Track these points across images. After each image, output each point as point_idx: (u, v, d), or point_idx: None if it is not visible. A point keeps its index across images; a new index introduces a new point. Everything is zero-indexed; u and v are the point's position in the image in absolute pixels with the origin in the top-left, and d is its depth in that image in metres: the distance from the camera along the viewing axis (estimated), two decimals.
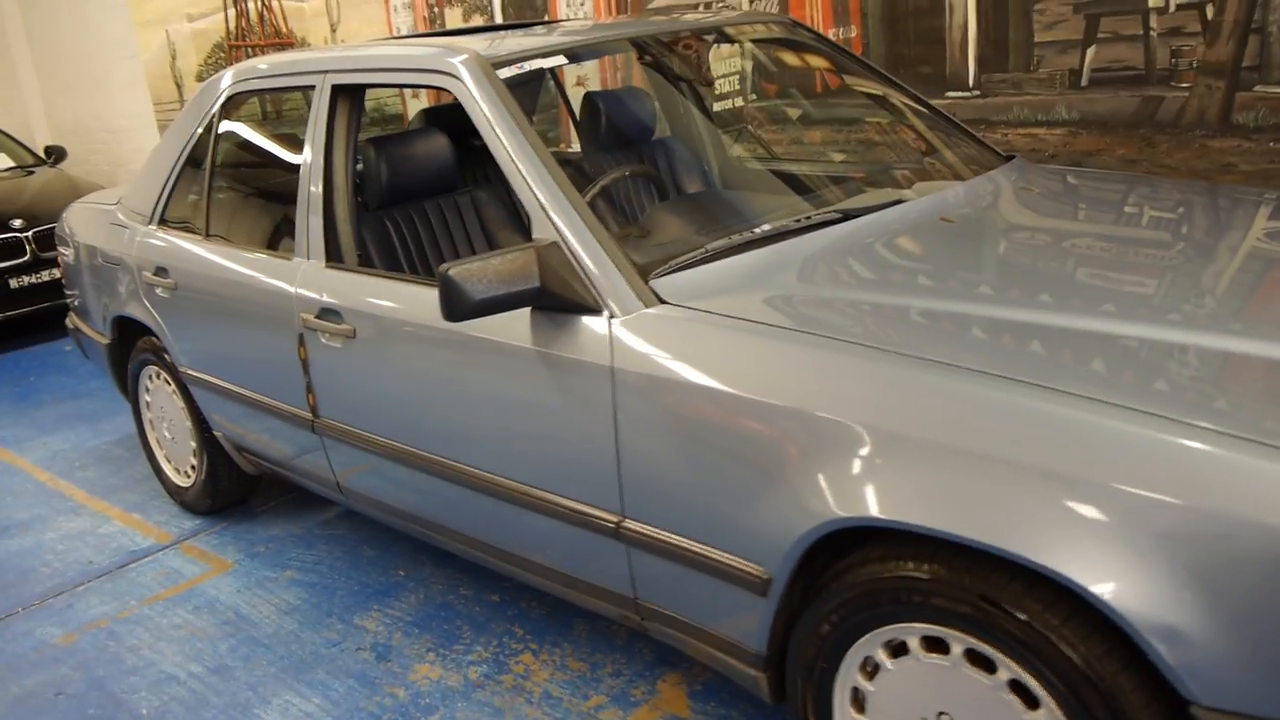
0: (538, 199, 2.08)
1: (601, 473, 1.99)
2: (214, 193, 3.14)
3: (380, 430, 2.50)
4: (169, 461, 3.66)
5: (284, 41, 6.52)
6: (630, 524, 1.97)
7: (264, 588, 3.06)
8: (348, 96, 2.66)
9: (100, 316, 3.70)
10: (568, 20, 3.39)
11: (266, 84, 2.93)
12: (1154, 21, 3.57)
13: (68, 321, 4.16)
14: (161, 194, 3.32)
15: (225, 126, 3.14)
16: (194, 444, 3.43)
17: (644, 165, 2.90)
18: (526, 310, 2.07)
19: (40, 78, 8.07)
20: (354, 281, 2.50)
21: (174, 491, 3.65)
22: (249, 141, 3.42)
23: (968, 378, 1.56)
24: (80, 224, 3.85)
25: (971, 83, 4.06)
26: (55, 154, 7.12)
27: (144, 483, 3.91)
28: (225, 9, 6.46)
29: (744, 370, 1.75)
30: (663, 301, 1.94)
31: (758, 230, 2.10)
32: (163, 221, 3.32)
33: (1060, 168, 2.89)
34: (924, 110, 2.81)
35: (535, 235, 2.08)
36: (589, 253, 1.99)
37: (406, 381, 2.37)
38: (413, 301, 2.33)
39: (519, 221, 3.08)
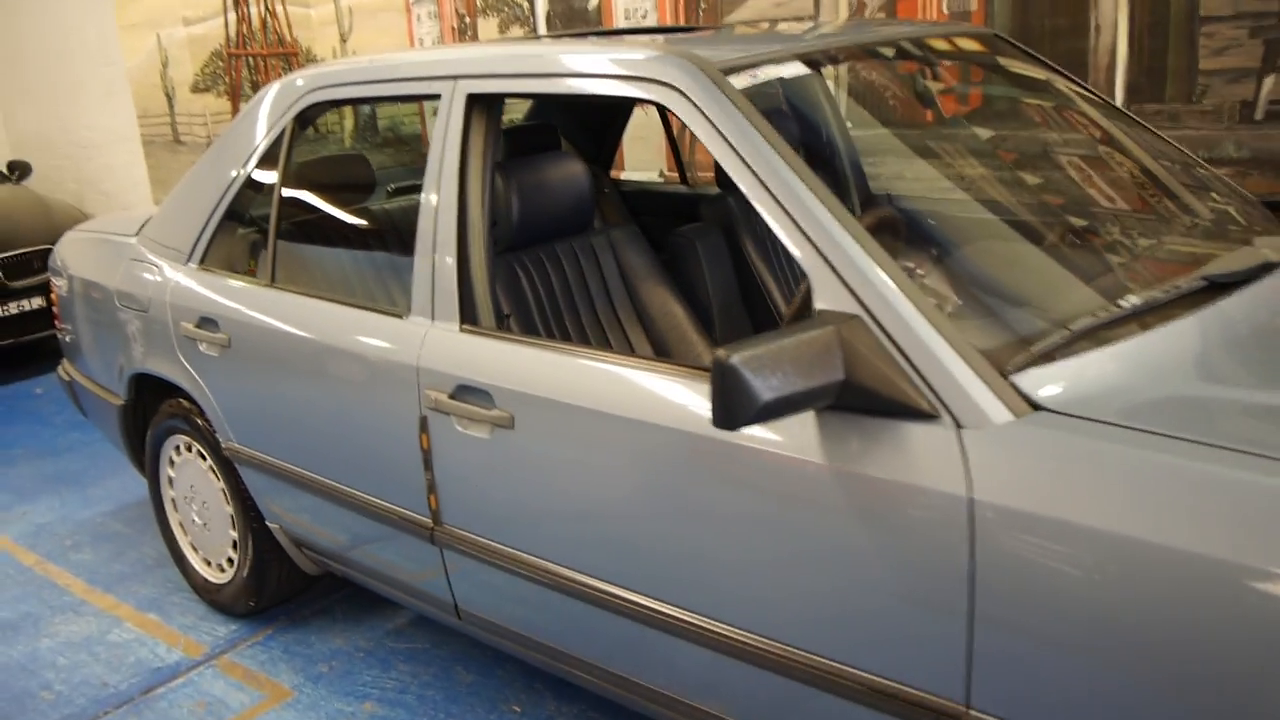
0: (824, 255, 1.51)
1: (936, 641, 1.41)
2: (284, 228, 2.51)
3: (543, 550, 1.90)
4: (196, 551, 2.99)
5: (288, 51, 5.87)
6: (979, 716, 1.39)
7: None
8: (485, 110, 2.07)
9: (111, 371, 3.03)
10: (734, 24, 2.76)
11: (363, 91, 2.31)
12: None
13: (60, 372, 3.48)
14: (205, 227, 2.67)
15: (300, 145, 2.51)
16: (235, 534, 2.78)
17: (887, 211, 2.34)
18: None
19: None
20: (514, 353, 1.90)
21: (202, 587, 2.98)
22: (333, 167, 2.79)
23: None
24: (81, 256, 3.19)
25: None
26: (19, 169, 6.36)
27: (156, 570, 3.23)
28: (225, 13, 5.79)
29: (1234, 524, 1.19)
30: (1036, 407, 1.38)
31: (1124, 304, 1.55)
32: (204, 261, 2.67)
33: None
34: (1166, 146, 2.29)
35: (820, 304, 1.51)
36: (918, 334, 1.42)
37: (597, 492, 1.78)
38: (615, 385, 1.73)
39: (666, 269, 2.51)
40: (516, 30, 5.16)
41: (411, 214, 2.72)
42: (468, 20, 5.37)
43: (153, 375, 2.83)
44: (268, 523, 2.66)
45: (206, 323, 2.57)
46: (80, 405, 3.41)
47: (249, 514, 2.69)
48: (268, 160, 2.55)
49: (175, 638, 2.86)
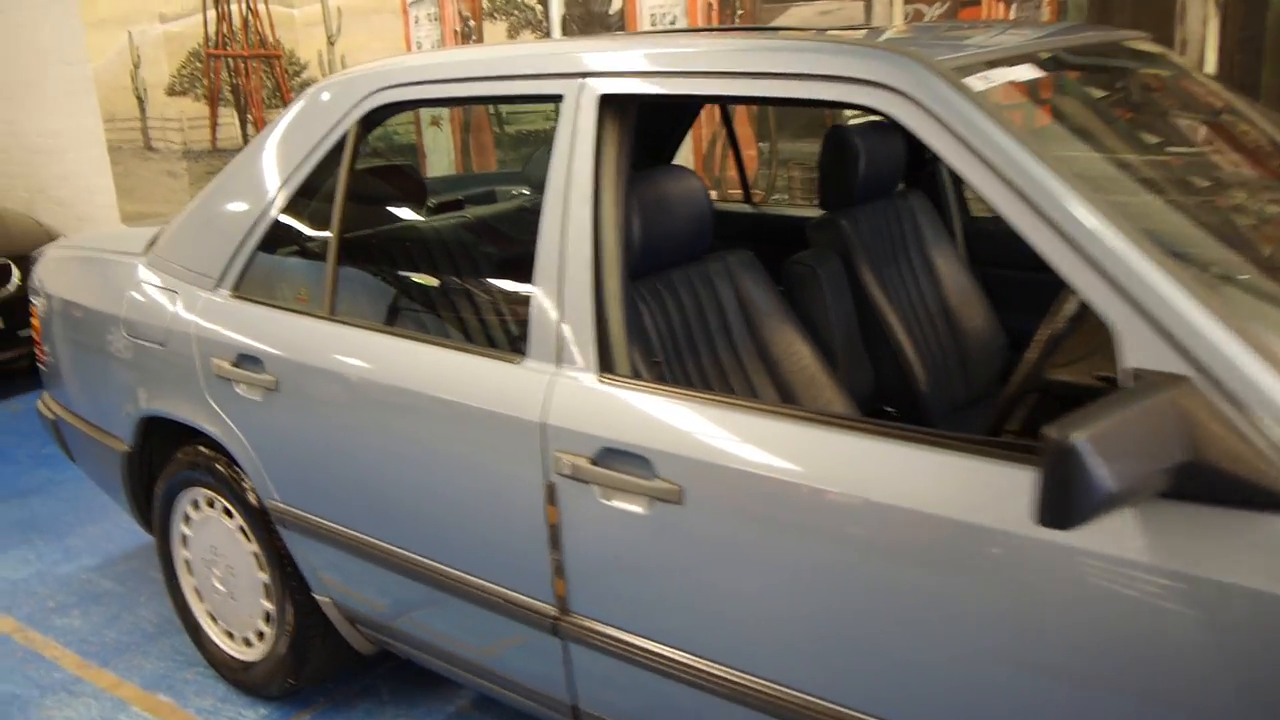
0: (1136, 300, 1.20)
1: None
2: (346, 252, 2.14)
3: (717, 652, 1.56)
4: (217, 622, 2.59)
5: (270, 53, 5.44)
6: None
7: None
8: (619, 114, 1.73)
9: (113, 411, 2.62)
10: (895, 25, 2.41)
11: (451, 90, 1.95)
12: None
13: (41, 407, 3.04)
14: (240, 248, 2.29)
15: (363, 152, 2.14)
16: (269, 604, 2.39)
17: None
18: None
19: None
20: (679, 411, 1.56)
21: (224, 664, 2.57)
22: (388, 180, 2.42)
23: None
24: (71, 277, 2.78)
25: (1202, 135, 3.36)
26: None
27: (160, 638, 2.82)
28: (204, 11, 5.35)
29: None
30: None
31: None
32: (239, 288, 2.29)
33: None
34: None
35: (1128, 362, 1.21)
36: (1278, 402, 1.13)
37: (804, 586, 1.44)
38: (832, 454, 1.41)
39: (787, 298, 2.20)
40: (527, 34, 4.81)
41: (501, 236, 2.37)
42: (472, 24, 5.01)
43: (170, 419, 2.43)
44: (315, 594, 2.28)
45: (246, 360, 2.19)
46: (67, 448, 2.98)
47: (289, 582, 2.31)
48: (322, 171, 2.18)
49: None
